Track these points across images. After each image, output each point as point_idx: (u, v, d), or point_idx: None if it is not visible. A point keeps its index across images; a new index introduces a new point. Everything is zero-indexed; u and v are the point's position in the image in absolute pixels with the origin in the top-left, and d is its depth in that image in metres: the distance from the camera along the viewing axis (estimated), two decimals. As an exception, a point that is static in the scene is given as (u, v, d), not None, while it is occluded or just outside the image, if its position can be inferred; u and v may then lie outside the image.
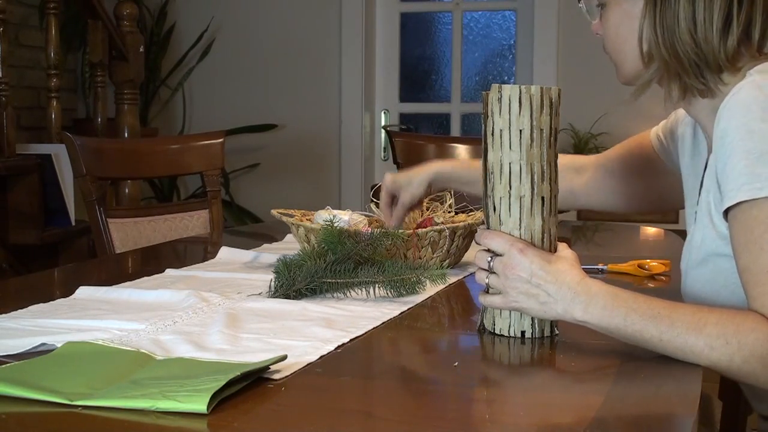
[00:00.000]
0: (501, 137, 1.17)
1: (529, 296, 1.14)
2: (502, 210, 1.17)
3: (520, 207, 1.17)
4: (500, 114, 1.17)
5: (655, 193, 1.64)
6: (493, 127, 1.17)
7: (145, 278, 1.57)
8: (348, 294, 1.39)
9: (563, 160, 1.50)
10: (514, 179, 1.17)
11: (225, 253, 1.80)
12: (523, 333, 1.18)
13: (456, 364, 1.11)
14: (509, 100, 1.16)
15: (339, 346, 1.12)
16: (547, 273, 1.13)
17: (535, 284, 1.13)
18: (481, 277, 1.18)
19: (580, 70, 4.24)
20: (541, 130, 1.16)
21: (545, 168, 1.17)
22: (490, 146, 1.18)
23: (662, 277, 1.60)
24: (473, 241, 1.65)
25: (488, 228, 1.20)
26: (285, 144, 4.60)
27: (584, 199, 1.70)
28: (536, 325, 1.18)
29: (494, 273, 1.16)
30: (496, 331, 1.19)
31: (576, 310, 1.11)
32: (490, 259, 1.17)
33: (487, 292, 1.19)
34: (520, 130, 1.16)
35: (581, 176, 1.70)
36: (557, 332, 1.19)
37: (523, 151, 1.16)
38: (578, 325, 1.12)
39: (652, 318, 1.06)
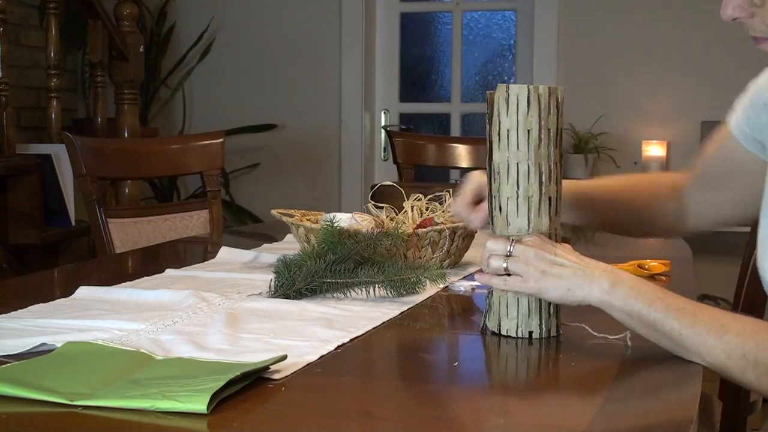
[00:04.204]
0: (508, 137, 1.16)
1: (552, 276, 1.11)
2: (510, 210, 1.17)
3: (528, 207, 1.16)
4: (507, 114, 1.16)
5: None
6: (499, 127, 1.17)
7: (145, 278, 1.57)
8: (348, 294, 1.39)
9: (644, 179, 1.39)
10: (522, 179, 1.16)
11: (225, 253, 1.80)
12: (530, 333, 1.17)
13: (456, 364, 1.10)
14: (517, 99, 1.15)
15: (339, 346, 1.12)
16: (571, 254, 1.13)
17: (560, 263, 1.12)
18: (498, 264, 1.15)
19: (580, 70, 4.24)
20: (549, 129, 1.16)
21: (552, 168, 1.16)
22: (496, 146, 1.17)
23: (662, 277, 1.60)
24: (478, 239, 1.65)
25: (494, 228, 1.19)
26: (285, 144, 4.60)
27: (693, 221, 1.49)
28: (543, 326, 1.17)
29: (513, 256, 1.14)
30: (502, 332, 1.18)
31: (603, 286, 1.09)
32: (512, 240, 1.14)
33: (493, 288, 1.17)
34: (528, 130, 1.15)
35: (683, 197, 1.50)
36: (561, 332, 1.18)
37: (531, 151, 1.15)
38: (581, 325, 1.12)
39: (677, 310, 1.05)
